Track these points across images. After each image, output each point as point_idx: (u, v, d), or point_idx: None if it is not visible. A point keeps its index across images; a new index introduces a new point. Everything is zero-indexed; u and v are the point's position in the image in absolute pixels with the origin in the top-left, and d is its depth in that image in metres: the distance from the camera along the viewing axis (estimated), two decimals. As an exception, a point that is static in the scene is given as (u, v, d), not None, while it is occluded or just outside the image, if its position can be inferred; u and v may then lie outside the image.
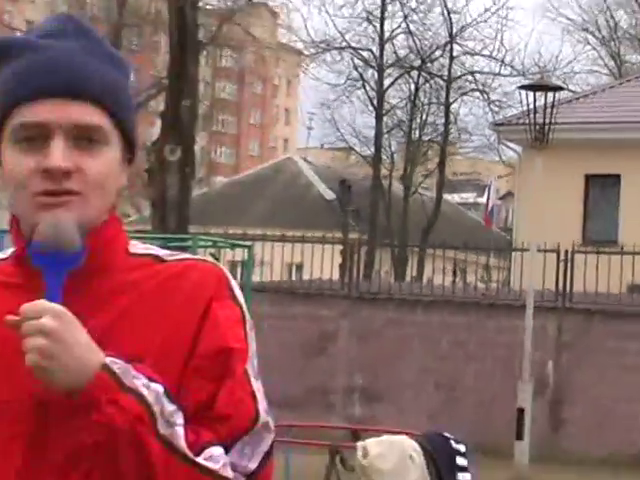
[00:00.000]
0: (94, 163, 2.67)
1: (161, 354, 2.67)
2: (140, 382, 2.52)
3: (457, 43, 56.17)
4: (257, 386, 2.72)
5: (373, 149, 57.26)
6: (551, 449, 27.55)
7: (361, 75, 56.89)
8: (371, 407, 29.76)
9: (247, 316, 2.80)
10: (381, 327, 32.16)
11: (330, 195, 58.37)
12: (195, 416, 2.63)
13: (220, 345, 2.68)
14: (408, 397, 30.37)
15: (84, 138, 2.67)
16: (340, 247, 37.35)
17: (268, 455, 2.68)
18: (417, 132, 58.64)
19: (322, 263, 35.35)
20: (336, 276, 35.63)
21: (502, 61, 55.60)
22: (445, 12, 55.45)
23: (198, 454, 2.54)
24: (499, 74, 55.80)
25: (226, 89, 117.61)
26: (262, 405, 2.70)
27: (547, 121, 26.79)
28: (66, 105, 2.66)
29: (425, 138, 59.25)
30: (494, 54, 56.05)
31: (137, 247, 2.88)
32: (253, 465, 2.63)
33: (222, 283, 2.77)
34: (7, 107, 2.71)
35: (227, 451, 2.62)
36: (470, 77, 56.87)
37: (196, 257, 2.97)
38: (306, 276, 37.45)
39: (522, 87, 30.67)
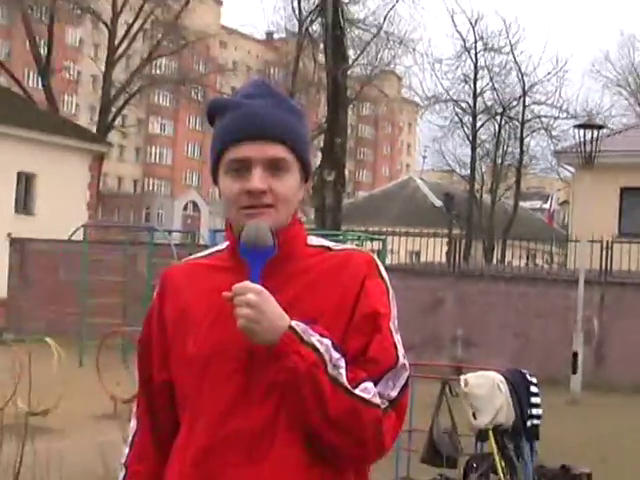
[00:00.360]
0: (281, 185, 2.74)
1: (331, 317, 2.69)
2: (315, 338, 2.60)
3: (528, 96, 54.94)
4: (397, 338, 2.73)
5: (469, 171, 55.98)
6: (595, 381, 26.33)
7: (460, 119, 55.88)
8: (469, 351, 29.19)
9: (390, 289, 2.81)
10: (475, 295, 31.39)
11: (439, 203, 56.44)
12: (353, 359, 2.64)
13: (371, 310, 2.71)
14: (495, 344, 29.34)
15: (274, 167, 2.73)
16: (446, 240, 37.03)
17: (405, 386, 2.70)
18: (500, 159, 57.14)
19: (434, 251, 34.35)
20: (444, 260, 35.34)
21: (560, 107, 54.64)
22: (519, 74, 54.64)
23: (355, 387, 2.60)
24: (558, 117, 54.79)
25: (366, 130, 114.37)
26: (401, 352, 2.71)
27: (593, 150, 26.65)
28: (262, 145, 2.72)
29: (506, 163, 57.85)
30: (555, 103, 54.91)
31: (313, 240, 2.89)
32: (394, 393, 2.65)
33: (372, 266, 2.79)
34: (221, 149, 2.78)
35: (376, 384, 2.64)
36: (538, 120, 55.46)
37: (353, 247, 3.02)
38: (422, 260, 36.37)
39: (576, 126, 29.67)
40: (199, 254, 2.98)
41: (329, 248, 2.86)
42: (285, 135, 2.77)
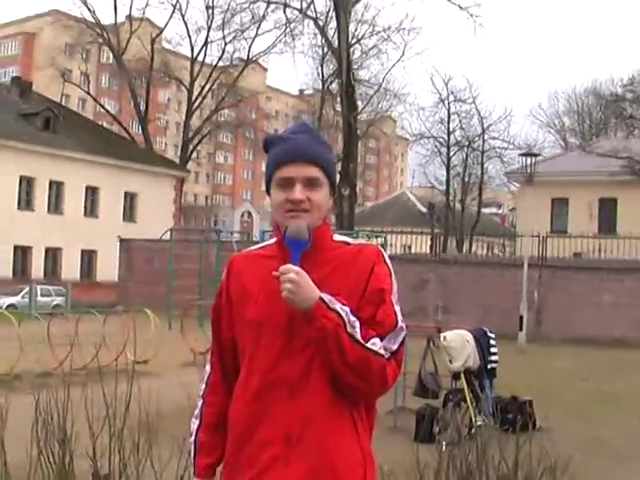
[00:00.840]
0: (315, 196, 2.72)
1: (348, 292, 2.67)
2: (338, 306, 2.58)
3: (486, 133, 55.06)
4: (397, 308, 2.70)
5: (445, 187, 56.38)
6: (535, 336, 26.97)
7: (438, 150, 55.99)
8: (447, 316, 27.79)
9: (392, 272, 2.77)
10: (451, 276, 31.62)
11: (424, 210, 56.01)
12: (366, 323, 2.63)
13: (378, 287, 2.69)
14: (465, 311, 28.22)
15: (310, 184, 2.71)
16: (429, 236, 36.61)
17: (402, 342, 2.67)
18: (467, 178, 57.34)
19: (421, 244, 35.02)
20: (428, 251, 35.11)
21: (509, 141, 54.88)
22: (480, 118, 54.68)
23: (367, 342, 2.59)
24: (507, 148, 54.78)
25: (371, 159, 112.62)
26: (399, 317, 2.69)
27: (532, 171, 26.81)
28: (302, 167, 2.70)
29: (471, 181, 57.92)
30: (505, 138, 55.30)
31: (336, 237, 2.85)
32: (395, 347, 2.64)
33: (379, 255, 2.76)
34: (274, 170, 2.75)
35: (381, 340, 2.62)
36: (493, 150, 55.55)
37: (366, 242, 2.93)
38: (412, 251, 36.03)
39: (520, 154, 29.77)
40: (254, 247, 2.96)
41: (348, 243, 2.84)
42: (318, 160, 2.75)
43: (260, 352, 2.73)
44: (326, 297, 2.60)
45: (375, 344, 2.61)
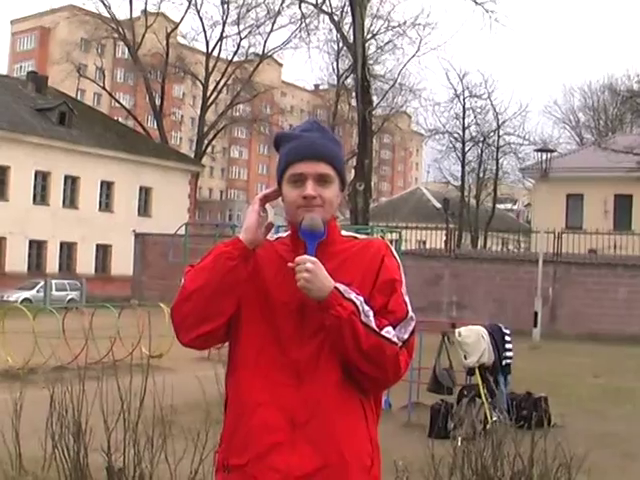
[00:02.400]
0: (326, 192, 2.73)
1: (360, 283, 2.69)
2: (353, 295, 2.61)
3: (501, 129, 54.04)
4: (407, 298, 2.73)
5: (460, 182, 55.76)
6: (550, 332, 27.10)
7: (453, 146, 55.29)
8: (461, 312, 29.40)
9: (400, 264, 2.81)
10: (465, 272, 31.77)
11: (438, 206, 54.74)
12: (377, 312, 2.65)
13: (389, 278, 2.72)
14: (479, 306, 29.69)
15: (322, 180, 2.73)
16: (444, 232, 36.55)
17: (413, 332, 2.69)
18: (482, 174, 56.72)
19: (435, 240, 34.88)
20: (442, 246, 35.14)
21: (524, 137, 53.65)
22: (495, 113, 53.85)
23: (381, 330, 2.61)
24: (522, 144, 53.50)
25: (386, 154, 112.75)
26: (409, 307, 2.71)
27: (547, 167, 26.86)
28: (314, 164, 2.72)
29: (486, 177, 57.26)
30: (520, 134, 54.05)
31: (344, 232, 2.88)
32: (406, 336, 2.66)
33: (388, 248, 2.79)
34: (285, 167, 2.76)
35: (393, 329, 2.65)
36: (508, 146, 54.64)
37: (373, 237, 3.05)
38: (427, 246, 35.90)
39: (536, 150, 30.19)
40: (270, 239, 2.90)
41: (355, 237, 2.87)
42: (329, 157, 2.77)
43: (270, 337, 2.73)
44: (341, 287, 2.63)
45: (389, 332, 2.63)
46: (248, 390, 2.73)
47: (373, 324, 2.62)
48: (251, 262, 2.77)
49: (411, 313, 2.73)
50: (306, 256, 2.65)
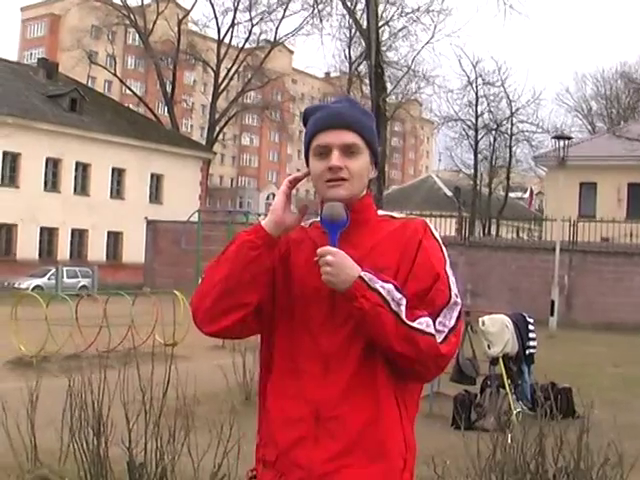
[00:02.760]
0: (354, 163, 2.61)
1: (396, 267, 2.57)
2: (378, 284, 2.46)
3: (514, 116, 54.05)
4: (452, 280, 2.59)
5: (472, 170, 55.43)
6: (566, 321, 26.82)
7: (466, 133, 55.08)
8: (475, 300, 27.29)
9: (442, 245, 2.66)
10: (480, 260, 31.62)
11: (450, 194, 56.03)
12: (414, 300, 2.51)
13: (427, 261, 2.56)
14: (494, 295, 29.56)
15: (348, 151, 2.61)
16: (455, 220, 36.69)
17: (459, 317, 2.55)
18: (494, 162, 56.38)
19: (447, 227, 34.67)
20: (454, 234, 35.04)
21: (537, 125, 54.08)
22: (508, 101, 53.72)
23: (413, 321, 2.46)
24: (535, 132, 53.99)
25: (398, 142, 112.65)
26: (454, 291, 2.56)
27: (565, 154, 26.66)
28: (339, 133, 2.61)
29: (498, 165, 56.85)
30: (533, 121, 54.32)
31: (380, 212, 2.76)
32: (452, 322, 2.51)
33: (427, 229, 2.65)
34: (312, 137, 2.66)
35: (437, 317, 2.50)
36: (521, 134, 54.75)
37: (411, 216, 2.80)
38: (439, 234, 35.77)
39: (553, 137, 29.84)
40: (304, 225, 2.75)
41: (393, 217, 2.74)
42: (356, 125, 2.64)
43: (301, 325, 2.63)
44: (367, 276, 2.49)
45: (421, 322, 2.48)
46: (278, 382, 2.64)
47: (403, 315, 2.47)
48: (276, 249, 2.65)
49: (455, 298, 2.56)
50: (327, 247, 2.53)
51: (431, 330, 2.47)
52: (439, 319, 2.50)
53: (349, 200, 2.61)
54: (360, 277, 2.48)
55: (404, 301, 2.48)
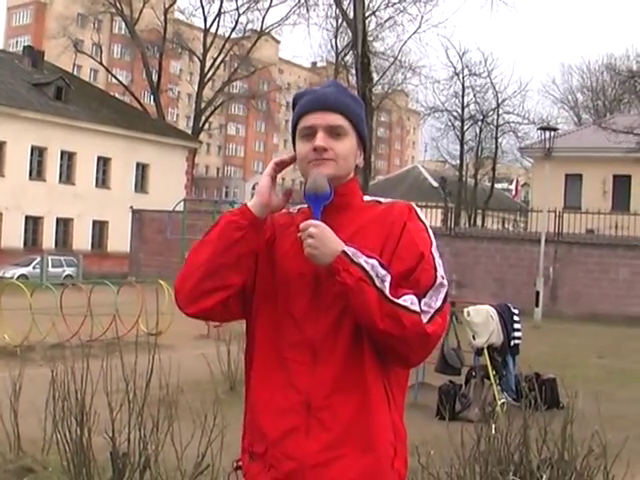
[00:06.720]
0: (339, 145, 2.58)
1: (381, 250, 2.51)
2: (362, 259, 2.42)
3: (501, 107, 54.56)
4: (438, 262, 2.54)
5: (458, 161, 56.04)
6: (551, 312, 27.01)
7: (452, 124, 55.59)
8: (461, 291, 28.31)
9: (428, 227, 2.61)
10: (465, 250, 31.47)
11: (436, 184, 55.65)
12: (399, 280, 2.45)
13: (412, 243, 2.51)
14: (479, 285, 29.82)
15: (334, 132, 2.58)
16: (441, 210, 36.18)
17: (445, 299, 2.49)
18: (480, 153, 56.99)
19: (433, 218, 34.17)
20: (440, 224, 34.26)
21: (523, 116, 54.68)
22: (494, 92, 54.28)
23: (398, 298, 2.40)
24: (521, 123, 54.64)
25: (384, 132, 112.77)
26: (440, 272, 2.51)
27: (551, 145, 26.62)
28: (324, 115, 2.58)
29: (484, 156, 57.44)
30: (519, 113, 55.10)
31: (367, 197, 2.73)
32: (437, 304, 2.45)
33: (412, 211, 2.60)
34: (298, 118, 2.65)
35: (423, 298, 2.44)
36: (507, 125, 55.44)
37: (396, 200, 2.74)
38: None
39: (539, 128, 29.82)
40: (292, 211, 2.74)
41: (379, 202, 2.70)
42: (342, 107, 2.61)
43: (285, 313, 2.58)
44: (350, 250, 2.45)
45: (406, 300, 2.41)
46: (264, 372, 2.58)
47: (387, 291, 2.41)
48: (262, 232, 2.62)
49: (440, 279, 2.49)
50: (310, 221, 2.49)
51: (416, 308, 2.42)
52: (424, 300, 2.45)
53: (333, 180, 2.57)
54: (343, 251, 2.44)
55: (388, 277, 2.44)
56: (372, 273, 2.42)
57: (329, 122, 2.59)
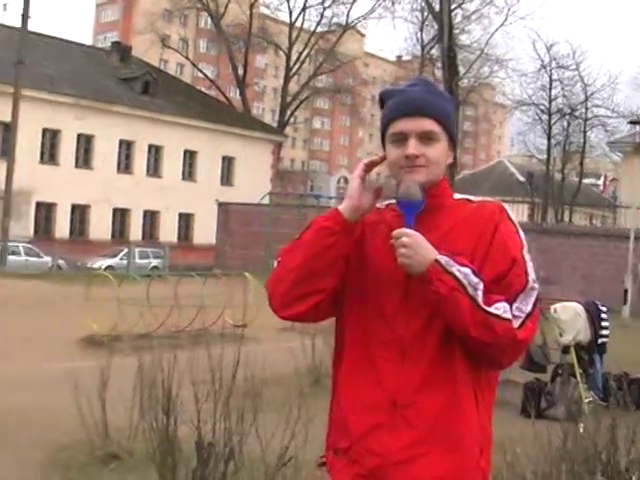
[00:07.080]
0: (432, 151, 2.55)
1: (472, 252, 2.51)
2: (455, 268, 2.42)
3: (589, 101, 53.70)
4: (529, 265, 2.52)
5: (545, 156, 54.89)
6: (639, 310, 25.53)
7: (539, 118, 54.80)
8: (548, 287, 24.81)
9: (519, 228, 2.59)
10: (553, 246, 30.79)
11: (522, 179, 54.92)
12: (490, 284, 2.46)
13: (504, 246, 2.50)
14: (567, 282, 28.82)
15: (426, 138, 2.56)
16: (528, 205, 36.24)
17: (536, 302, 2.48)
18: (568, 147, 56.09)
19: (519, 213, 34.19)
20: (526, 220, 34.58)
21: (612, 110, 53.17)
22: (583, 85, 53.46)
23: (490, 306, 2.41)
24: (611, 117, 53.09)
25: (469, 127, 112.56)
26: (531, 276, 2.49)
27: None
28: (416, 120, 2.55)
29: (572, 150, 56.43)
30: (609, 106, 53.57)
31: (457, 195, 2.70)
32: (528, 308, 2.44)
33: (503, 212, 2.58)
34: (386, 125, 2.62)
35: (514, 303, 2.44)
36: (596, 119, 54.30)
37: (487, 199, 2.73)
38: None
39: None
40: (380, 206, 2.72)
41: (470, 200, 2.66)
42: (433, 112, 2.58)
43: (375, 311, 2.58)
44: (443, 259, 2.44)
45: (498, 307, 2.42)
46: (352, 369, 2.59)
47: (480, 299, 2.41)
48: (354, 235, 2.60)
49: (532, 283, 2.48)
50: (403, 229, 2.48)
51: (508, 315, 2.42)
52: (516, 304, 2.45)
53: (426, 185, 2.56)
54: (436, 260, 2.43)
55: (481, 285, 2.44)
56: (465, 282, 2.42)
57: (421, 128, 2.57)
